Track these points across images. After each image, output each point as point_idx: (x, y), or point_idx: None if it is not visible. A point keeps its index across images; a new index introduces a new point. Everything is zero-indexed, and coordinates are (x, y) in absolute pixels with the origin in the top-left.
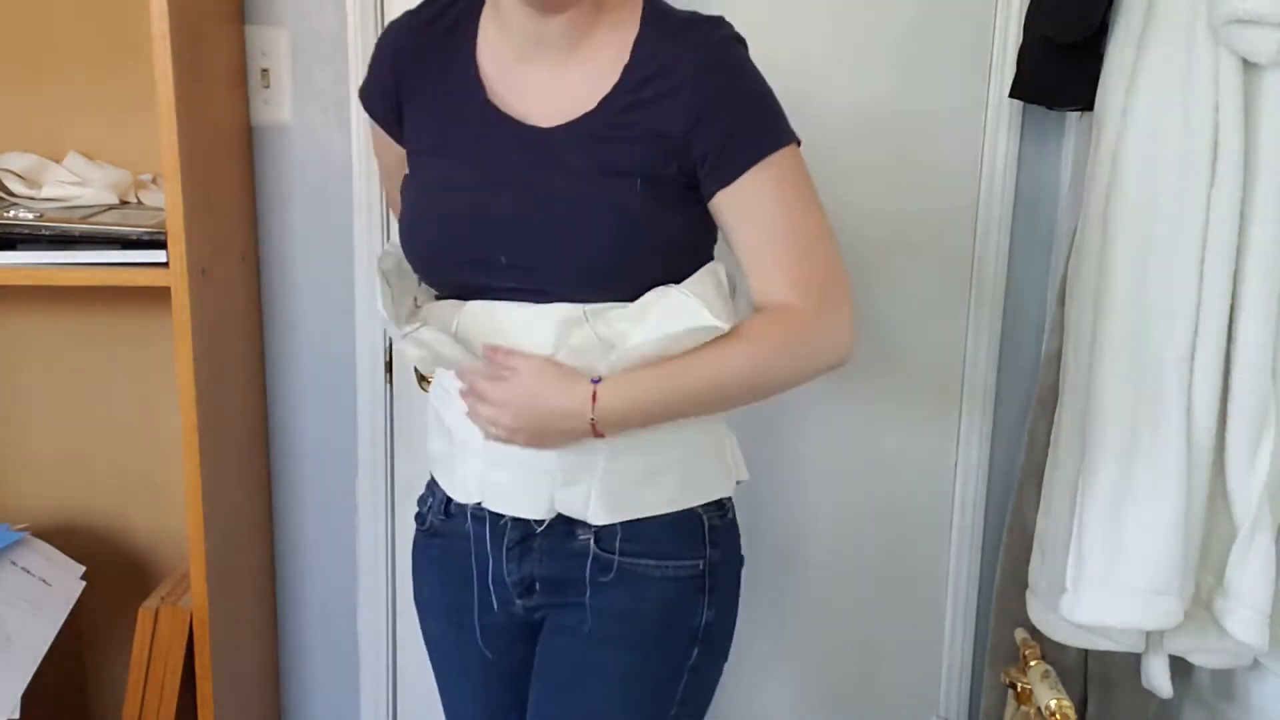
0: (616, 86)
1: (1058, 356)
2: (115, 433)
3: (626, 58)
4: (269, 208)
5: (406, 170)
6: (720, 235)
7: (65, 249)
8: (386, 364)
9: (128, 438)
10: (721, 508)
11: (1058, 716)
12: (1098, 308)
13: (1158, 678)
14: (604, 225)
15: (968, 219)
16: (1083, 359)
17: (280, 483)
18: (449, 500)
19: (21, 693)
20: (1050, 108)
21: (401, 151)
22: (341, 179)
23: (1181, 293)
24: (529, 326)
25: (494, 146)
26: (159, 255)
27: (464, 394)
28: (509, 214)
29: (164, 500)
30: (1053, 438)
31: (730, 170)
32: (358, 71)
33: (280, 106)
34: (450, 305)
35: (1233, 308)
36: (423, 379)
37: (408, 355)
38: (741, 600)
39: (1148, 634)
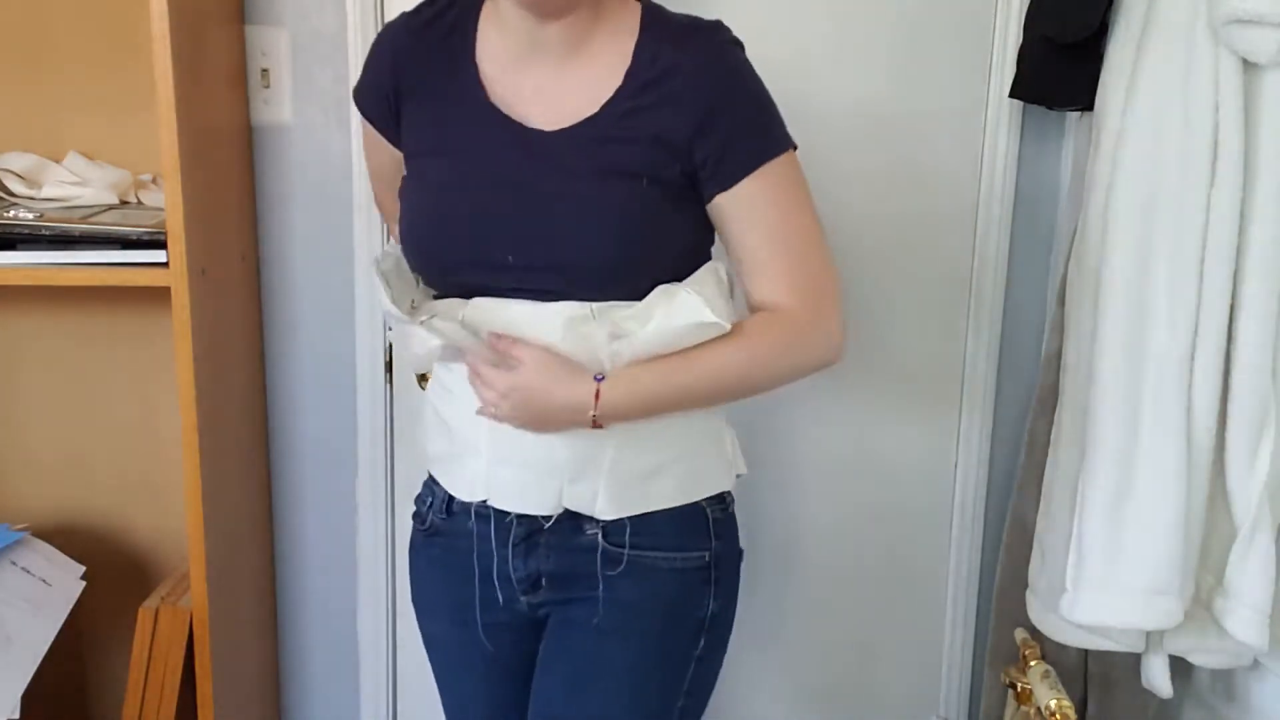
0: (618, 91)
1: (1057, 356)
2: (115, 433)
3: (627, 62)
4: (269, 208)
5: (405, 172)
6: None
7: (65, 249)
8: (386, 364)
9: (128, 438)
10: (723, 501)
11: (1058, 716)
12: (1098, 308)
13: (1158, 678)
14: (606, 227)
15: (967, 219)
16: (1083, 359)
17: (280, 483)
18: (450, 499)
19: (21, 693)
20: (1050, 108)
21: (393, 152)
22: (341, 179)
23: (1181, 293)
24: (538, 323)
25: (495, 147)
26: (159, 255)
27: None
28: (511, 215)
29: (164, 500)
30: (1053, 438)
31: (730, 175)
32: (358, 71)
33: (280, 106)
34: (454, 303)
35: (1233, 308)
36: (422, 377)
37: (428, 346)
38: (741, 600)
39: (1148, 634)
